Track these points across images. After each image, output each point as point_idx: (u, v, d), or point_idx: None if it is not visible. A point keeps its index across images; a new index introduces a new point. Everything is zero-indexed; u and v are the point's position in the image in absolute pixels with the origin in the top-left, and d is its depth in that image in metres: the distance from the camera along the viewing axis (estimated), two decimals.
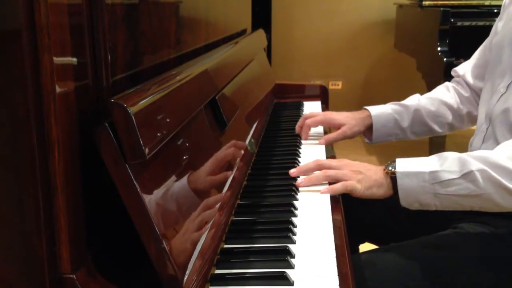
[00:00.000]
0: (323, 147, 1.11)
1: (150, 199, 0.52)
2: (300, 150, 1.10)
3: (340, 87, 3.56)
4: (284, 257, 0.65)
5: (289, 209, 0.79)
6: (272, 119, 1.35)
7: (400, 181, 0.79)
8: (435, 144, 2.48)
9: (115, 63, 0.58)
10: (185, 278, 0.54)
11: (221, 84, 0.92)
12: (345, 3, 3.41)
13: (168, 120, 0.59)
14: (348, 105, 3.52)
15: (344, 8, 3.42)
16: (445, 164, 0.78)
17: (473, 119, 1.11)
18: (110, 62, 0.56)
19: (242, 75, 1.14)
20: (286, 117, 1.38)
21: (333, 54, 3.50)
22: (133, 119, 0.49)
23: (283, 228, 0.73)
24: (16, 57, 0.44)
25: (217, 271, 0.64)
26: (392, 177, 0.81)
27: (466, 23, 2.39)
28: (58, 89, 0.45)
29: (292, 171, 0.90)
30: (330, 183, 0.87)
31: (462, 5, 2.51)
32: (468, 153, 0.80)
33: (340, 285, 0.60)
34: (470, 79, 1.09)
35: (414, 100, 1.12)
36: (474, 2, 2.55)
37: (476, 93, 1.10)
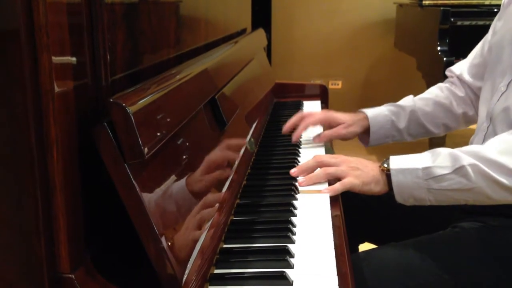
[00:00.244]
0: (323, 147, 1.11)
1: (149, 199, 0.52)
2: (300, 149, 1.10)
3: (340, 86, 3.56)
4: (283, 256, 0.65)
5: (289, 209, 0.79)
6: (272, 119, 1.35)
7: (394, 178, 0.81)
8: (435, 145, 2.48)
9: (114, 62, 0.58)
10: (184, 278, 0.54)
11: (220, 83, 0.92)
12: (345, 2, 3.41)
13: (167, 119, 0.59)
14: (348, 104, 3.53)
15: (344, 8, 3.42)
16: (438, 160, 0.80)
17: (469, 119, 1.11)
18: (109, 62, 0.56)
19: (242, 75, 1.14)
20: (286, 117, 1.37)
21: (333, 54, 3.49)
22: (132, 118, 0.49)
23: (283, 228, 0.73)
24: (14, 56, 0.44)
25: (217, 271, 0.64)
26: (387, 174, 0.82)
27: (466, 23, 2.39)
28: (56, 89, 0.45)
29: (293, 171, 0.90)
30: (329, 181, 0.88)
31: (462, 4, 2.51)
32: (460, 148, 0.81)
33: (339, 284, 0.60)
34: (467, 78, 1.09)
35: (410, 101, 1.12)
36: (474, 2, 2.55)
37: (473, 93, 1.09)
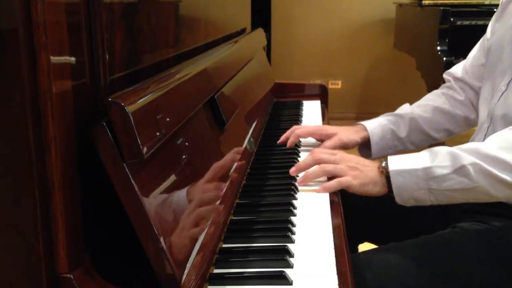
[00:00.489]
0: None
1: (148, 199, 0.52)
2: (299, 148, 1.10)
3: (339, 86, 3.56)
4: (283, 256, 0.65)
5: (288, 209, 0.79)
6: (272, 118, 1.35)
7: (393, 179, 0.80)
8: (435, 145, 2.48)
9: (113, 62, 0.57)
10: (183, 278, 0.54)
11: (220, 83, 0.92)
12: (345, 2, 3.41)
13: (166, 119, 0.58)
14: (348, 104, 3.53)
15: (344, 7, 3.42)
16: (437, 159, 0.79)
17: (470, 123, 1.09)
18: (108, 61, 0.55)
19: (241, 74, 1.13)
20: (285, 116, 1.37)
21: (333, 54, 3.49)
22: (131, 118, 0.49)
23: (282, 228, 0.73)
24: (13, 56, 0.43)
25: (216, 271, 0.64)
26: (387, 176, 0.81)
27: (466, 22, 2.39)
28: (55, 88, 0.45)
29: (292, 170, 0.90)
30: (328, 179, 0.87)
31: (462, 4, 2.51)
32: (459, 146, 0.80)
33: (339, 284, 0.60)
34: (468, 80, 1.08)
35: (407, 109, 1.09)
36: (474, 1, 2.55)
37: (474, 94, 1.09)
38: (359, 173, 0.83)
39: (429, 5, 2.55)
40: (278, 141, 1.10)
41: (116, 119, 0.49)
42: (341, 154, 0.87)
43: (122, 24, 0.60)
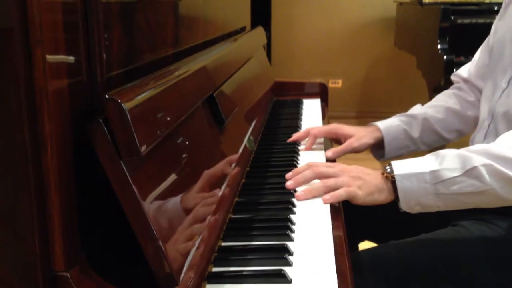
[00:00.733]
0: (322, 146, 1.10)
1: (146, 197, 0.51)
2: (299, 147, 1.09)
3: (340, 85, 3.55)
4: (282, 255, 0.64)
5: (288, 207, 0.79)
6: (272, 117, 1.34)
7: (400, 184, 0.76)
8: (443, 147, 2.47)
9: (110, 59, 0.57)
10: (181, 276, 0.53)
11: (219, 81, 0.91)
12: (345, 1, 3.40)
13: (164, 116, 0.58)
14: (348, 103, 3.53)
15: (344, 6, 3.41)
16: (445, 162, 0.76)
17: None
18: (105, 58, 0.55)
19: (240, 73, 1.13)
20: (285, 115, 1.37)
21: (333, 52, 3.49)
22: (128, 115, 0.48)
23: (281, 226, 0.72)
24: (7, 53, 0.43)
25: (215, 269, 0.63)
26: (392, 181, 0.78)
27: (466, 21, 2.38)
28: (50, 85, 0.45)
29: (289, 184, 0.83)
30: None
31: (462, 2, 2.50)
32: (467, 148, 0.78)
33: (338, 283, 0.59)
34: (475, 81, 1.07)
35: (420, 110, 1.09)
36: (474, 0, 2.54)
37: (481, 95, 1.08)
38: (362, 182, 0.79)
39: (429, 4, 2.55)
40: (289, 140, 1.09)
41: (113, 116, 0.48)
42: (340, 166, 0.83)
43: (119, 21, 0.59)
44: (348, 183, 0.80)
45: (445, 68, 2.30)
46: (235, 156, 0.88)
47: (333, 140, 1.12)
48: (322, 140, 1.11)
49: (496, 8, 2.40)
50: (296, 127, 1.24)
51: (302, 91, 1.61)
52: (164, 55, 0.76)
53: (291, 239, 0.69)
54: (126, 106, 0.49)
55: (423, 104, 1.13)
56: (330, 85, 3.50)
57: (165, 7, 0.76)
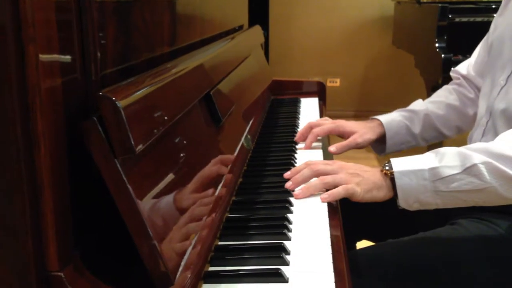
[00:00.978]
0: (320, 144, 1.09)
1: (141, 196, 0.51)
2: (296, 146, 1.09)
3: (338, 84, 3.55)
4: (279, 254, 0.64)
5: (285, 206, 0.78)
6: (269, 116, 1.34)
7: (398, 181, 0.76)
8: (442, 143, 2.47)
9: (105, 57, 0.56)
10: (177, 276, 0.53)
11: (216, 79, 0.91)
12: None
13: (159, 114, 0.58)
14: (347, 102, 3.53)
15: (342, 5, 3.41)
16: (444, 159, 0.75)
17: None
18: (100, 56, 0.55)
19: (238, 71, 1.12)
20: (283, 114, 1.37)
21: (331, 51, 3.49)
22: (122, 113, 0.48)
23: (279, 225, 0.72)
24: (0, 49, 0.42)
25: (211, 268, 0.63)
26: (391, 178, 0.77)
27: (464, 19, 2.38)
28: (43, 82, 0.44)
29: (289, 185, 0.83)
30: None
31: (460, 1, 2.50)
32: (467, 146, 0.77)
33: (336, 281, 0.59)
34: (474, 77, 1.07)
35: (421, 106, 1.08)
36: None
37: (480, 92, 1.08)
38: (361, 179, 0.79)
39: (427, 2, 2.54)
40: (295, 138, 1.09)
41: (107, 114, 0.48)
42: (339, 163, 0.83)
43: (114, 19, 0.59)
44: (346, 180, 0.79)
45: (443, 66, 2.30)
46: (232, 155, 0.88)
47: (336, 136, 1.12)
48: (320, 137, 1.11)
49: (493, 7, 2.40)
50: (294, 126, 1.24)
51: (300, 90, 1.61)
52: (160, 53, 0.75)
53: (288, 238, 0.69)
54: (121, 104, 0.48)
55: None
56: (328, 84, 3.50)
57: (161, 5, 0.75)
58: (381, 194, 0.79)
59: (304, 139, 1.09)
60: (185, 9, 0.90)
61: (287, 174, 0.86)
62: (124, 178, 0.49)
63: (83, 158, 0.50)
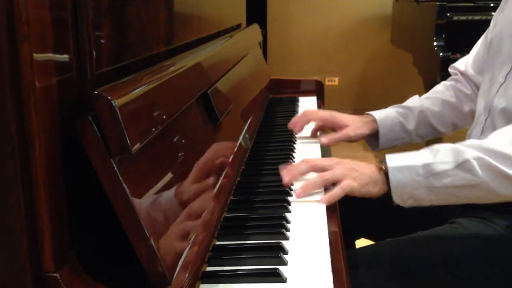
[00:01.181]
0: (318, 144, 1.09)
1: (137, 196, 0.50)
2: (295, 145, 1.08)
3: (336, 83, 3.55)
4: (277, 253, 0.63)
5: (283, 205, 0.78)
6: (267, 115, 1.34)
7: (392, 177, 0.76)
8: (432, 140, 2.47)
9: (101, 56, 0.56)
10: (174, 276, 0.52)
11: (213, 78, 0.90)
12: None
13: (156, 114, 0.57)
14: (345, 101, 3.52)
15: (340, 3, 3.41)
16: (438, 155, 0.76)
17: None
18: (96, 55, 0.54)
19: (235, 70, 1.12)
20: (281, 113, 1.36)
21: (330, 50, 3.48)
22: (118, 112, 0.47)
23: (277, 224, 0.71)
24: None
25: (209, 268, 0.63)
26: (386, 173, 0.78)
27: (463, 18, 2.38)
28: (38, 80, 0.44)
29: (286, 180, 0.82)
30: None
31: None
32: (462, 142, 0.78)
33: (334, 281, 0.59)
34: (472, 74, 1.07)
35: (417, 102, 1.08)
36: None
37: (478, 88, 1.07)
38: (358, 174, 0.79)
39: (425, 1, 2.54)
40: (289, 125, 1.09)
41: (102, 113, 0.47)
42: (335, 159, 0.83)
43: (110, 18, 0.58)
44: (344, 175, 0.79)
45: (441, 65, 2.30)
46: (230, 154, 0.87)
47: (329, 128, 1.11)
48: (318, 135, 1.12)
49: (492, 5, 2.39)
50: None
51: (298, 88, 1.60)
52: (157, 52, 0.75)
53: (286, 238, 0.69)
54: (116, 103, 0.48)
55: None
56: (327, 82, 3.50)
57: (158, 3, 0.74)
58: (376, 188, 0.79)
59: (296, 126, 1.09)
60: (182, 7, 0.90)
61: (283, 171, 0.85)
62: (120, 178, 0.48)
63: (79, 157, 0.49)
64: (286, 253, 0.65)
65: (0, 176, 0.44)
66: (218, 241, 0.69)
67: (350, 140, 1.06)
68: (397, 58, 3.32)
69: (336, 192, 0.79)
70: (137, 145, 0.50)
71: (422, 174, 0.75)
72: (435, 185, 0.75)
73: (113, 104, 0.47)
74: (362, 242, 1.04)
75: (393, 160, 0.78)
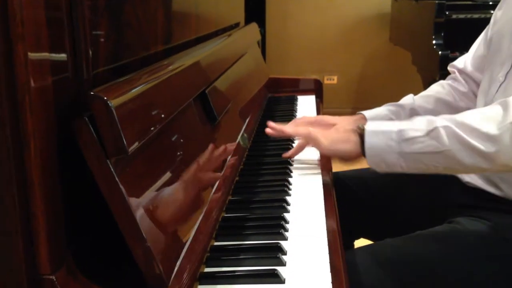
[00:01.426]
0: None
1: (134, 197, 0.50)
2: (293, 145, 1.08)
3: (335, 81, 3.54)
4: (275, 254, 0.63)
5: (282, 205, 0.77)
6: (266, 114, 1.33)
7: (367, 139, 0.79)
8: None
9: (97, 55, 0.55)
10: (172, 277, 0.52)
11: (211, 77, 0.90)
12: None
13: (153, 114, 0.57)
14: (344, 99, 3.52)
15: (339, 2, 3.40)
16: (413, 123, 0.79)
17: None
18: (92, 55, 0.53)
19: (234, 69, 1.11)
20: (280, 112, 1.36)
21: (328, 48, 3.47)
22: (114, 112, 0.47)
23: (275, 224, 0.71)
24: None
25: (207, 269, 0.62)
26: (360, 135, 0.81)
27: (461, 16, 2.38)
28: (33, 80, 0.43)
29: (269, 132, 0.94)
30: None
31: None
32: (441, 115, 0.80)
33: (332, 281, 0.58)
34: (470, 71, 1.06)
35: (409, 100, 1.08)
36: None
37: (476, 86, 1.07)
38: (329, 133, 0.86)
39: None
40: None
41: (98, 114, 0.47)
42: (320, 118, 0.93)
43: (106, 17, 0.58)
44: (316, 133, 0.87)
45: (440, 63, 2.29)
46: (228, 154, 0.87)
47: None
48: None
49: (491, 3, 2.39)
50: None
51: (297, 87, 1.60)
52: (154, 52, 0.74)
53: (285, 238, 0.68)
54: (113, 103, 0.47)
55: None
56: (326, 81, 3.49)
57: (155, 2, 0.74)
58: (346, 147, 0.83)
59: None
60: (180, 6, 0.89)
61: (269, 130, 0.95)
62: (117, 179, 0.48)
63: (75, 158, 0.49)
64: (284, 253, 0.64)
65: None
66: (216, 241, 0.69)
67: None
68: (396, 57, 3.31)
69: (300, 142, 0.92)
70: (134, 146, 0.50)
71: (395, 139, 0.78)
72: (405, 151, 0.77)
73: (109, 105, 0.47)
74: (361, 242, 1.03)
75: (372, 125, 0.81)
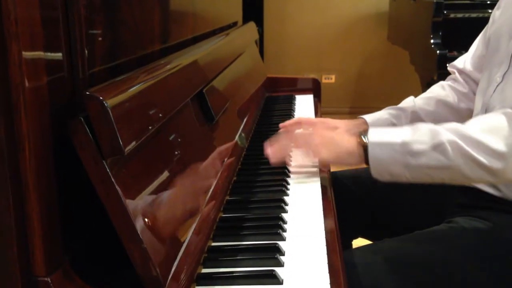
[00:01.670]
0: None
1: (130, 198, 0.49)
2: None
3: (333, 80, 3.54)
4: (273, 254, 0.63)
5: (280, 205, 0.77)
6: (264, 113, 1.33)
7: (371, 151, 0.78)
8: None
9: (93, 55, 0.55)
10: (169, 279, 0.51)
11: (209, 76, 0.89)
12: None
13: (149, 114, 0.56)
14: (342, 98, 3.51)
15: (337, 1, 3.39)
16: (417, 134, 0.77)
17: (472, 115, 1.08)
18: (88, 54, 0.53)
19: (231, 68, 1.11)
20: (277, 111, 1.35)
21: (326, 48, 3.47)
22: (110, 112, 0.46)
23: (273, 225, 0.71)
24: None
25: (204, 270, 0.62)
26: (364, 147, 0.79)
27: (459, 15, 2.37)
28: (28, 81, 0.43)
29: (273, 162, 0.89)
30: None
31: None
32: (442, 124, 0.79)
33: (331, 282, 0.58)
34: (470, 71, 1.06)
35: (410, 102, 1.07)
36: None
37: (476, 86, 1.06)
38: (334, 146, 0.84)
39: None
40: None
41: (94, 114, 0.46)
42: (317, 129, 0.90)
43: (102, 16, 0.57)
44: (318, 146, 0.85)
45: (438, 63, 2.29)
46: (225, 154, 0.86)
47: None
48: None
49: (489, 2, 2.39)
50: None
51: (294, 87, 1.60)
52: (151, 51, 0.74)
53: (283, 239, 0.68)
54: (109, 103, 0.47)
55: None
56: (324, 80, 3.49)
57: (152, 1, 0.73)
58: (351, 161, 0.82)
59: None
60: (177, 5, 0.89)
61: (267, 149, 0.90)
62: (113, 180, 0.47)
63: (71, 159, 0.48)
64: (282, 254, 0.64)
65: None
66: (214, 242, 0.68)
67: None
68: (394, 56, 3.31)
69: (305, 161, 0.88)
70: (130, 146, 0.49)
71: (399, 151, 0.77)
72: (411, 163, 0.77)
73: (105, 105, 0.46)
74: (359, 242, 1.03)
75: (374, 135, 0.80)
